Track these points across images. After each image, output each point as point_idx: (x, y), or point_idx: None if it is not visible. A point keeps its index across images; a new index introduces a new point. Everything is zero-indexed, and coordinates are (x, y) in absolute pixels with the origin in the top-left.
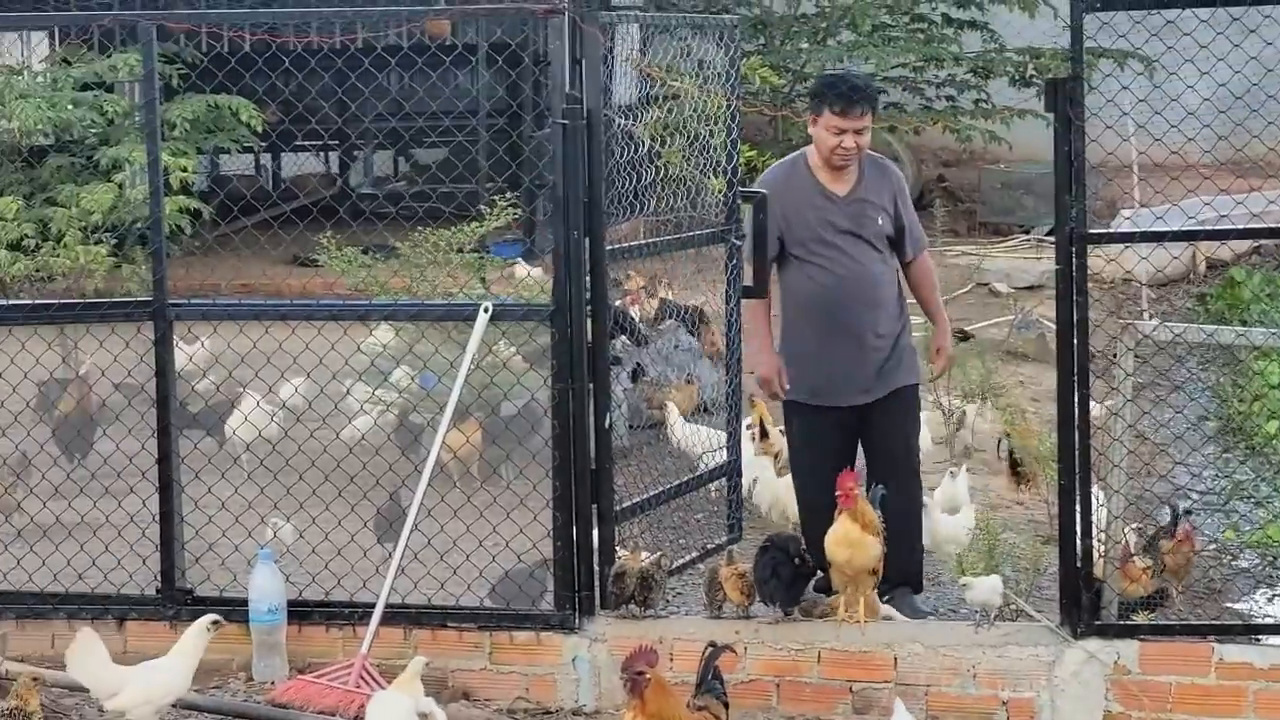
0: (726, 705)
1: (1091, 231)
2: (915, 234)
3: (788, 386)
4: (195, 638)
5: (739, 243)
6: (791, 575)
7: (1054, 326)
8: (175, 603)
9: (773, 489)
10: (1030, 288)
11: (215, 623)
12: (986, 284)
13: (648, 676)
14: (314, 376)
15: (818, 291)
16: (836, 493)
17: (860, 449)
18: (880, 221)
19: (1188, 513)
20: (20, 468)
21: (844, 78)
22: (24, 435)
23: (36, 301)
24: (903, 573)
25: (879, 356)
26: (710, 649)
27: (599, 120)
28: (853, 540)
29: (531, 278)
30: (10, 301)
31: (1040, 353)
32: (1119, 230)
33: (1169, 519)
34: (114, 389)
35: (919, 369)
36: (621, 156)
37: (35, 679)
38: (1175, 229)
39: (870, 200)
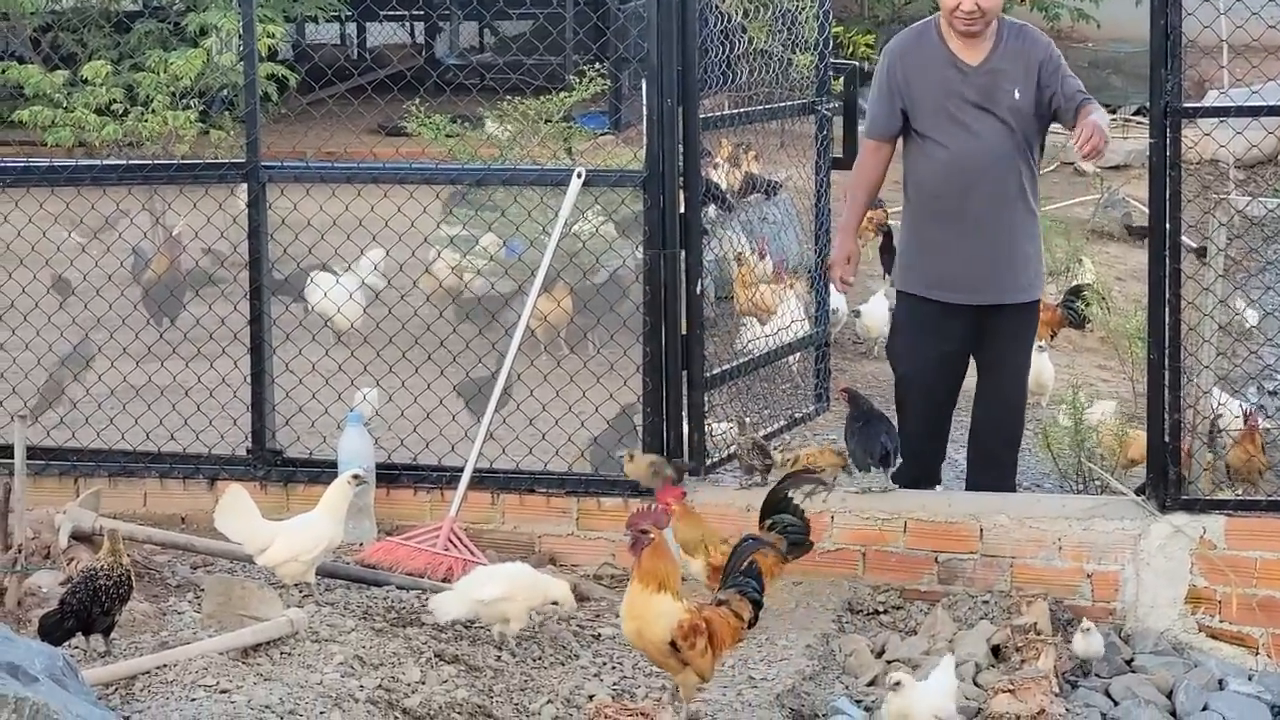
0: (757, 604)
1: (1187, 105)
2: (1073, 96)
3: (851, 280)
4: (339, 491)
5: (828, 113)
6: (899, 444)
7: (1139, 206)
8: (265, 463)
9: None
10: (1116, 167)
11: (356, 477)
12: (1071, 163)
13: (651, 536)
14: (397, 246)
15: (936, 170)
16: None
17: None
18: (1016, 95)
19: (1273, 393)
20: (77, 368)
21: None
22: (118, 295)
23: (131, 161)
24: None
25: (1001, 253)
26: (746, 540)
27: None
28: None
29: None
30: (104, 161)
31: (1125, 232)
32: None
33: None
34: (205, 252)
35: (1043, 283)
36: (714, 27)
37: (126, 537)
38: (1271, 103)
39: (1005, 70)
